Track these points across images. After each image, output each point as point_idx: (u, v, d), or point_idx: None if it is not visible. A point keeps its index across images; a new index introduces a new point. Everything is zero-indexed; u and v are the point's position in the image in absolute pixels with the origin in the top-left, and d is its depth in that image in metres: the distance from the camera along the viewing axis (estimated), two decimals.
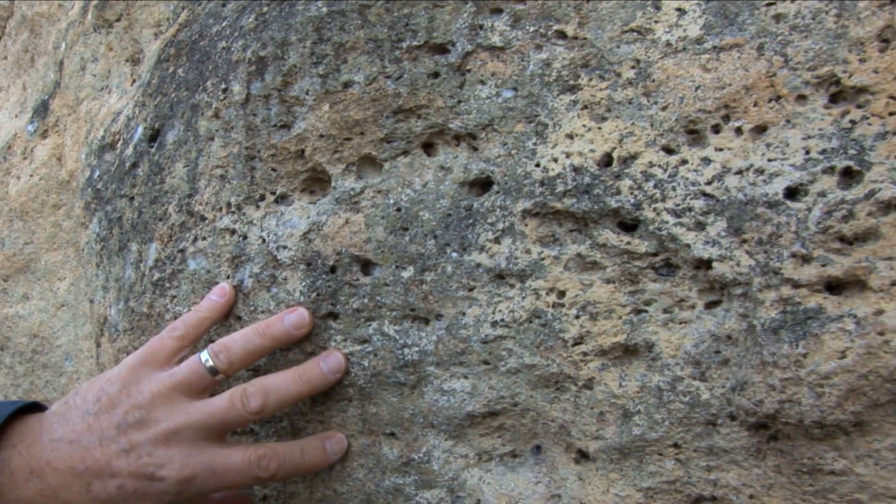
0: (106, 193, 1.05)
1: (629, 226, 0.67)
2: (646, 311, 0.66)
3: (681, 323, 0.64)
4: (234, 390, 0.73)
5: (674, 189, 0.65)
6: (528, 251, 0.69)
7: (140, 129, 1.00)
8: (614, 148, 0.68)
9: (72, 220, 1.33)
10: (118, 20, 1.24)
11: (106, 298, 1.03)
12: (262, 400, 0.73)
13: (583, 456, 0.69)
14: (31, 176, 1.37)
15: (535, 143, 0.70)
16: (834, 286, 0.60)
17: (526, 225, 0.70)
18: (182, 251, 0.87)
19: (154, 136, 0.97)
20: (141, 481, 0.68)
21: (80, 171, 1.23)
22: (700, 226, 0.64)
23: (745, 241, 0.62)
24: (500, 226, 0.70)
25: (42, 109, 1.39)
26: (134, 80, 1.18)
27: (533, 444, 0.72)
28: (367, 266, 0.76)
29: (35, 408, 0.74)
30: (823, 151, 0.61)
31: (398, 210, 0.75)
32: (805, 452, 0.61)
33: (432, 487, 0.75)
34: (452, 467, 0.74)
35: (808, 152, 0.62)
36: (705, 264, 0.64)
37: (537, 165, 0.70)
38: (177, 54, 0.98)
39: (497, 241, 0.70)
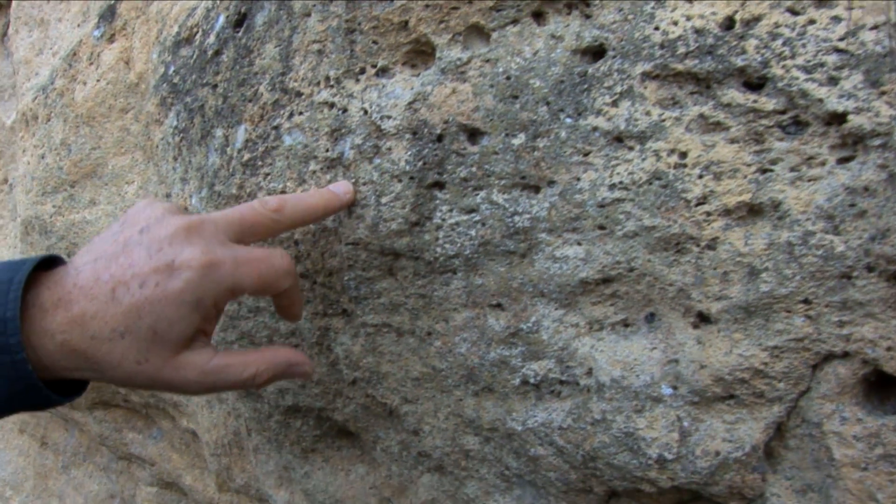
0: (184, 86, 1.04)
1: (755, 85, 0.65)
2: (772, 171, 0.64)
3: (810, 180, 0.63)
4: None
5: (804, 46, 0.63)
6: (647, 113, 0.68)
7: (222, 17, 0.99)
8: (736, 11, 0.66)
9: (140, 124, 1.32)
10: None
11: (185, 189, 1.02)
12: (280, 202, 0.74)
13: (703, 319, 0.68)
14: (98, 81, 1.36)
15: (653, 8, 0.69)
16: None
17: (645, 87, 0.68)
18: (276, 128, 0.86)
19: (240, 20, 0.96)
20: (161, 274, 0.65)
21: (150, 72, 1.22)
22: (833, 81, 0.62)
23: (884, 92, 0.61)
24: (618, 89, 0.69)
25: (109, 14, 1.38)
26: None
27: (646, 312, 0.71)
28: (474, 135, 0.75)
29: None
30: None
31: (507, 78, 0.74)
32: None
33: (540, 358, 0.75)
34: (562, 336, 0.73)
35: None
36: (838, 118, 0.62)
37: (656, 29, 0.68)
38: None
39: (615, 104, 0.69)
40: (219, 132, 0.95)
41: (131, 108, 1.32)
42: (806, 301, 0.63)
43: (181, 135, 1.04)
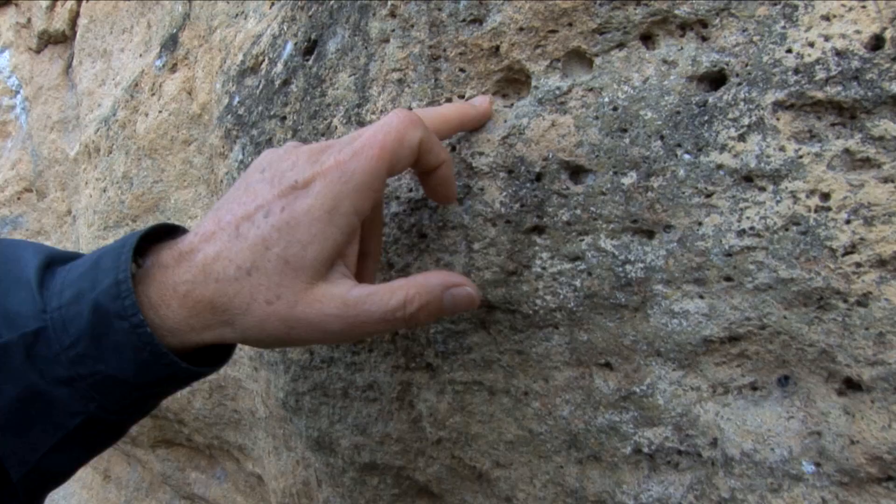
0: (250, 118, 0.97)
1: None
2: None
3: None
4: None
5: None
6: (781, 148, 0.59)
7: (290, 45, 0.92)
8: (885, 28, 0.57)
9: (203, 156, 1.26)
10: None
11: None
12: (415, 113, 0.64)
13: (851, 386, 0.59)
14: (160, 112, 1.30)
15: (783, 27, 0.60)
16: None
17: (778, 119, 0.59)
18: None
19: (310, 48, 0.89)
20: (287, 197, 0.59)
21: (214, 102, 1.16)
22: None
23: None
24: (746, 121, 0.60)
25: (171, 43, 1.32)
26: (272, 3, 1.10)
27: (779, 374, 0.62)
28: (578, 173, 0.67)
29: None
30: None
31: (614, 109, 0.65)
32: None
33: (656, 425, 0.66)
34: (682, 401, 0.65)
35: None
36: None
37: (789, 51, 0.60)
38: None
39: (742, 138, 0.60)
40: None
41: (194, 139, 1.26)
42: None
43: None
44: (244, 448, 1.40)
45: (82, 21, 1.78)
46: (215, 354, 0.66)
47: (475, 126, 0.70)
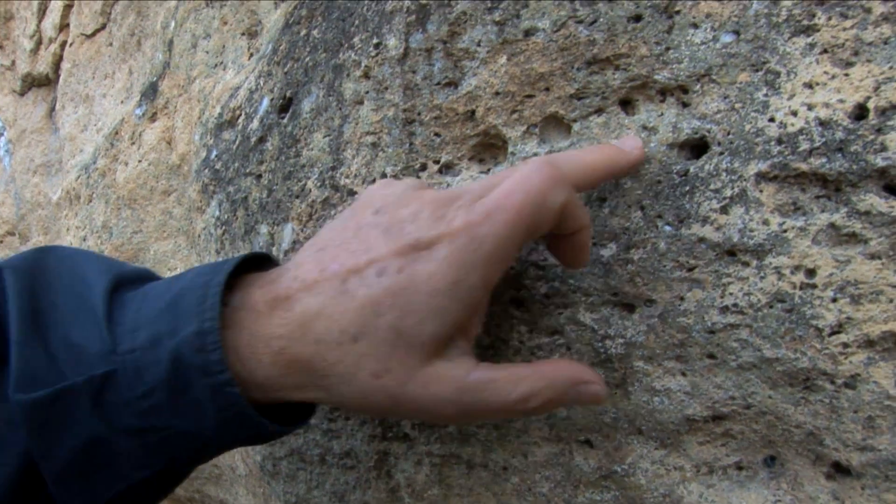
0: (227, 174, 0.95)
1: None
2: None
3: None
4: None
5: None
6: (765, 221, 0.57)
7: (266, 101, 0.90)
8: (869, 97, 0.55)
9: (183, 207, 1.24)
10: None
11: None
12: (552, 158, 0.55)
13: (839, 470, 0.57)
14: (140, 161, 1.28)
15: (765, 95, 0.58)
16: None
17: (761, 191, 0.57)
18: None
19: (285, 105, 0.87)
20: (405, 257, 0.50)
21: (193, 154, 1.14)
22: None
23: None
24: (728, 192, 0.58)
25: (150, 92, 1.31)
26: (251, 54, 1.08)
27: (765, 455, 0.60)
28: None
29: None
30: None
31: None
32: None
33: None
34: (664, 481, 0.62)
35: None
36: None
37: (772, 120, 0.58)
38: (309, 16, 0.87)
39: (724, 210, 0.58)
40: (263, 229, 0.86)
41: (174, 190, 1.24)
42: None
43: (223, 227, 0.95)
44: (225, 503, 1.37)
45: (65, 65, 1.76)
46: (299, 408, 0.61)
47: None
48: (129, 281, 0.58)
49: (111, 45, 1.55)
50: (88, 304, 0.53)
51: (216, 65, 1.17)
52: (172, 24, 1.28)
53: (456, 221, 0.50)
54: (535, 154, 0.66)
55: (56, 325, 0.52)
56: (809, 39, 0.58)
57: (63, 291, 0.55)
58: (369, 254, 0.51)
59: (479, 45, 0.68)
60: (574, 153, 0.58)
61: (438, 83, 0.70)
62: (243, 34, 1.13)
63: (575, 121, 0.65)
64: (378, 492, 0.82)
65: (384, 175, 0.73)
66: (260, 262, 0.60)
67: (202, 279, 0.53)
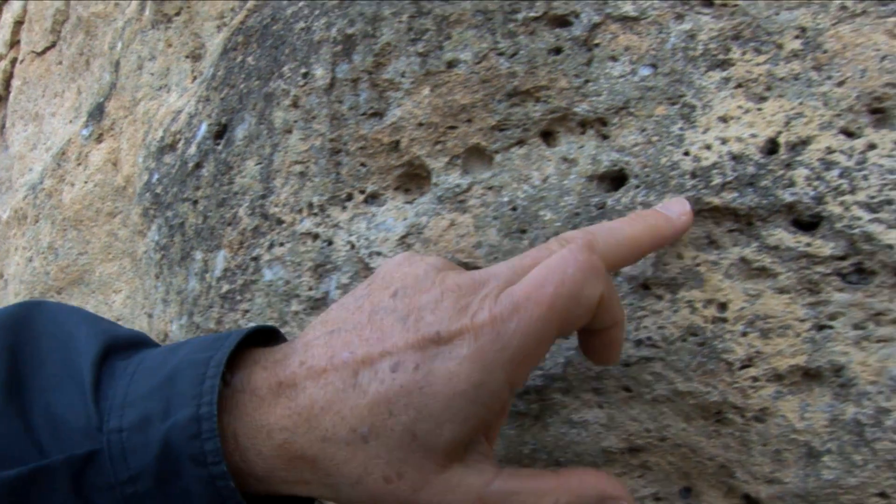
0: (166, 198, 0.95)
1: (808, 224, 0.55)
2: (831, 328, 0.53)
3: (880, 341, 0.52)
4: None
5: (865, 178, 0.53)
6: (679, 256, 0.57)
7: (204, 127, 0.90)
8: (780, 132, 0.56)
9: (128, 229, 1.23)
10: (178, 14, 1.15)
11: (167, 312, 0.92)
12: (588, 238, 0.49)
13: (750, 502, 0.57)
14: (86, 182, 1.28)
15: (681, 129, 0.59)
16: None
17: None
18: (256, 259, 0.76)
19: (221, 132, 0.86)
20: (423, 351, 0.44)
21: (137, 176, 1.13)
22: None
23: None
24: None
25: (97, 112, 1.30)
26: (195, 77, 1.08)
27: (681, 486, 0.60)
28: None
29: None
30: None
31: (514, 209, 0.64)
32: None
33: None
34: None
35: None
36: None
37: (686, 154, 0.58)
38: (245, 42, 0.87)
39: None
40: (199, 255, 0.85)
41: (119, 212, 1.23)
42: (883, 495, 0.52)
43: (162, 252, 0.94)
44: None
45: (16, 82, 1.76)
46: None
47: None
48: (122, 347, 0.52)
49: (61, 63, 1.55)
50: (75, 372, 0.49)
51: (161, 87, 1.17)
52: (119, 44, 1.28)
53: (480, 314, 0.45)
54: (458, 185, 0.66)
55: (38, 392, 0.48)
56: (724, 74, 0.59)
57: (49, 354, 0.50)
58: (384, 344, 0.46)
59: (403, 76, 0.69)
60: (614, 225, 0.53)
61: (364, 113, 0.71)
62: (187, 57, 1.13)
63: (497, 152, 0.65)
64: None
65: (310, 205, 0.73)
66: (267, 336, 0.55)
67: (201, 355, 0.48)
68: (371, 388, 0.45)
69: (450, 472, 0.46)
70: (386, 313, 0.47)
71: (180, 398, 0.46)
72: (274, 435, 0.46)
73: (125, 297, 1.24)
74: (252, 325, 0.55)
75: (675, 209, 0.55)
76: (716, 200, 0.57)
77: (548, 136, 0.65)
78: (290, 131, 0.76)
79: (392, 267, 0.51)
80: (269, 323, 0.72)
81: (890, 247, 0.52)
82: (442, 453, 0.45)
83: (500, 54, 0.65)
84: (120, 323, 1.20)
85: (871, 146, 0.54)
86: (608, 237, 0.50)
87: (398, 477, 0.45)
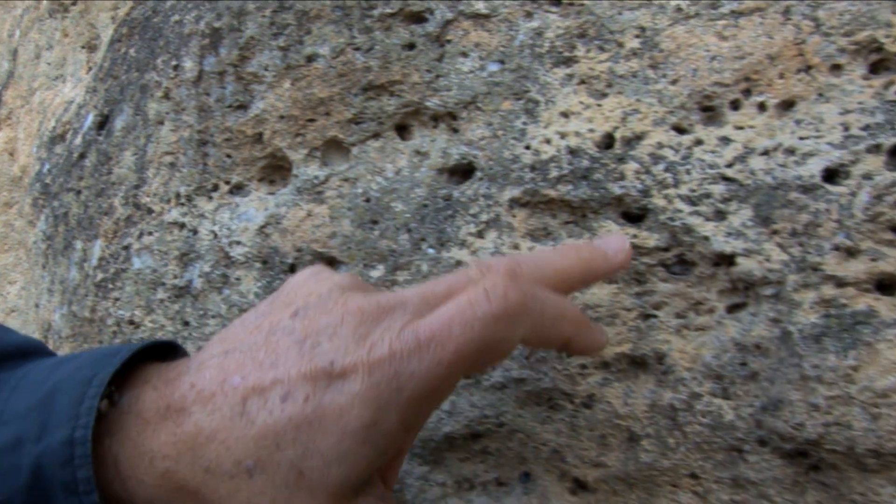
0: (53, 188, 0.95)
1: (635, 216, 0.57)
2: (655, 317, 0.56)
3: (697, 330, 0.54)
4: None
5: (688, 173, 0.55)
6: (515, 246, 0.59)
7: (90, 117, 0.90)
8: (616, 127, 0.58)
9: (23, 220, 1.23)
10: (74, 4, 1.15)
11: (51, 302, 0.92)
12: (512, 267, 0.45)
13: (581, 486, 0.59)
14: None
15: (524, 123, 0.61)
16: (887, 285, 0.51)
17: (514, 216, 0.60)
18: (126, 248, 0.77)
19: (103, 123, 0.87)
20: (315, 382, 0.41)
21: (31, 166, 1.13)
22: (720, 215, 0.54)
23: (775, 231, 0.52)
24: (484, 217, 0.60)
25: None
26: (90, 68, 1.08)
27: (521, 471, 0.62)
28: (331, 264, 0.66)
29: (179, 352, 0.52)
30: (866, 127, 0.52)
31: (367, 200, 0.65)
32: (855, 487, 0.51)
33: None
34: (427, 496, 0.64)
35: (847, 129, 0.52)
36: (727, 260, 0.54)
37: (527, 148, 0.60)
38: (129, 33, 0.88)
39: (480, 234, 0.60)
40: (79, 245, 0.86)
41: (15, 202, 1.23)
42: (693, 475, 0.54)
43: (48, 242, 0.95)
44: None
45: None
46: None
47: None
48: (9, 356, 0.49)
49: None
50: None
51: (57, 77, 1.17)
52: (17, 32, 1.28)
53: (378, 349, 0.42)
54: (316, 177, 0.67)
55: None
56: (569, 70, 0.60)
57: None
58: (275, 371, 0.42)
59: (266, 69, 0.70)
60: (543, 255, 0.51)
61: (230, 106, 0.72)
62: (83, 47, 1.13)
63: (354, 144, 0.67)
64: None
65: (178, 195, 0.74)
66: (166, 350, 0.51)
67: (85, 373, 0.44)
68: (259, 419, 0.42)
69: None
70: (283, 334, 0.44)
71: (56, 419, 0.42)
72: (156, 463, 0.43)
73: (20, 287, 1.24)
74: (148, 339, 0.52)
75: (613, 245, 0.52)
76: (552, 193, 0.59)
77: (403, 130, 0.66)
78: (161, 122, 0.76)
79: (298, 282, 0.49)
80: (137, 312, 0.73)
81: (707, 238, 0.54)
82: (330, 494, 0.42)
83: (357, 49, 0.66)
84: (14, 315, 1.21)
85: (698, 142, 0.56)
86: (534, 268, 0.47)
87: None
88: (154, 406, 0.44)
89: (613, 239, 0.52)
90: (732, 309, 0.54)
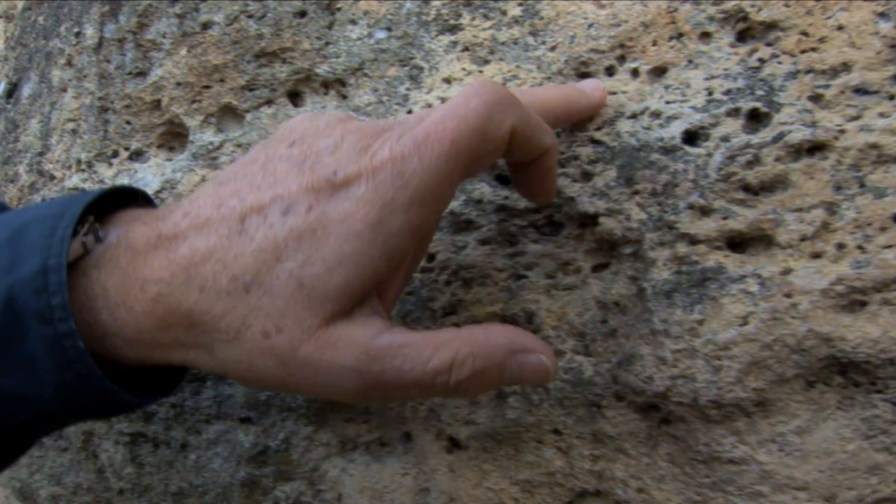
0: None
1: (507, 178, 0.58)
2: (526, 277, 0.57)
3: (565, 289, 0.56)
4: None
5: (558, 136, 0.56)
6: None
7: (2, 85, 0.91)
8: None
9: None
10: None
11: None
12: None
13: (455, 444, 0.60)
14: None
15: (407, 89, 0.62)
16: (737, 242, 0.52)
17: None
18: None
19: (11, 91, 0.87)
20: (318, 193, 0.41)
21: None
22: (587, 176, 0.55)
23: (636, 192, 0.54)
24: None
25: None
26: (7, 39, 1.08)
27: (402, 431, 0.63)
28: None
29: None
30: (728, 92, 0.53)
31: None
32: (700, 438, 0.52)
33: (291, 479, 0.66)
34: (312, 456, 0.65)
35: (710, 93, 0.54)
36: (591, 220, 0.55)
37: (409, 113, 0.61)
38: (39, 2, 0.88)
39: None
40: None
41: None
42: (556, 431, 0.56)
43: None
44: None
45: None
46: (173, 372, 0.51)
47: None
48: None
49: None
50: None
51: None
52: None
53: (380, 154, 0.41)
54: (211, 143, 0.68)
55: None
56: (453, 38, 0.62)
57: None
58: (275, 189, 0.42)
59: (164, 36, 0.70)
60: (528, 88, 0.53)
61: (129, 73, 0.72)
62: (1, 17, 1.13)
63: (248, 111, 0.68)
64: (88, 472, 0.83)
65: (79, 161, 0.74)
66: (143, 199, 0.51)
67: (56, 209, 0.43)
68: (259, 234, 0.41)
69: (335, 326, 0.41)
70: (281, 160, 0.43)
71: (28, 250, 0.41)
72: (148, 287, 0.41)
73: None
74: (127, 185, 0.50)
75: (590, 85, 0.54)
76: None
77: (295, 97, 0.67)
78: (65, 90, 0.77)
79: (294, 122, 0.47)
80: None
81: (572, 199, 0.55)
82: (328, 304, 0.40)
83: (250, 17, 0.67)
84: None
85: None
86: (519, 94, 0.47)
87: (277, 331, 0.40)
88: (144, 238, 0.43)
89: (589, 81, 0.55)
90: (597, 268, 0.56)
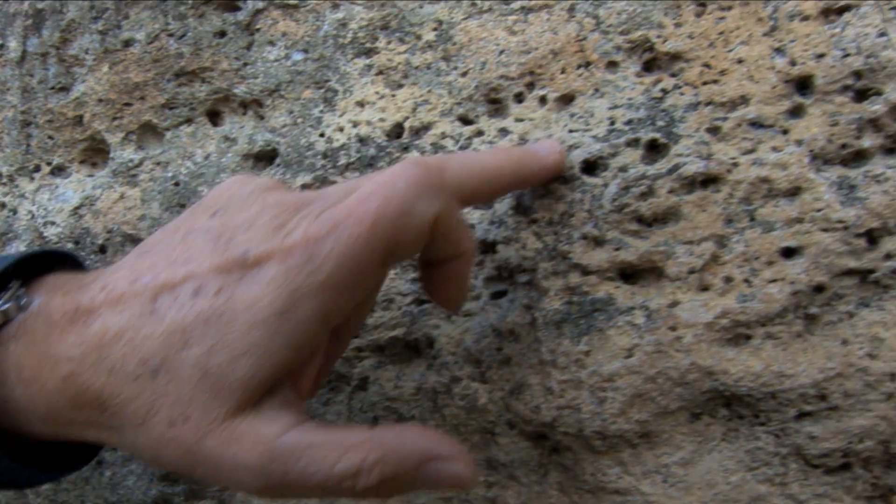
0: None
1: None
2: (429, 302, 0.57)
3: (465, 316, 0.56)
4: None
5: None
6: None
7: None
8: (407, 117, 0.60)
9: None
10: None
11: None
12: (441, 164, 0.42)
13: None
14: None
15: (321, 111, 0.62)
16: (628, 274, 0.53)
17: None
18: None
19: None
20: (228, 275, 0.38)
21: None
22: (487, 203, 0.56)
23: (534, 220, 0.54)
24: None
25: None
26: None
27: None
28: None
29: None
30: (630, 122, 0.54)
31: (176, 184, 0.66)
32: (587, 468, 0.53)
33: (202, 498, 0.66)
34: None
35: (612, 123, 0.54)
36: (491, 247, 0.55)
37: (321, 135, 0.62)
38: None
39: None
40: None
41: None
42: None
43: None
44: None
45: None
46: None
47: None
48: None
49: None
50: None
51: None
52: None
53: (294, 234, 0.39)
54: (131, 160, 0.68)
55: None
56: (368, 61, 0.62)
57: None
58: (188, 266, 0.40)
59: (86, 52, 0.70)
60: (472, 153, 0.51)
61: (52, 87, 0.72)
62: None
63: (167, 129, 0.68)
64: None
65: (1, 175, 0.74)
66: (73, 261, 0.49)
67: None
68: (168, 315, 0.38)
69: (239, 420, 0.38)
70: (200, 233, 0.41)
71: None
72: (60, 366, 0.40)
73: None
74: (57, 248, 0.50)
75: (546, 147, 0.52)
76: (339, 180, 0.60)
77: (215, 116, 0.67)
78: None
79: (223, 188, 0.45)
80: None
81: (472, 226, 0.56)
82: (234, 394, 0.38)
83: (171, 35, 0.67)
84: None
85: (479, 133, 0.57)
86: (462, 163, 0.44)
87: (183, 420, 0.38)
88: (63, 309, 0.41)
89: (545, 142, 0.53)
90: (495, 296, 0.56)
